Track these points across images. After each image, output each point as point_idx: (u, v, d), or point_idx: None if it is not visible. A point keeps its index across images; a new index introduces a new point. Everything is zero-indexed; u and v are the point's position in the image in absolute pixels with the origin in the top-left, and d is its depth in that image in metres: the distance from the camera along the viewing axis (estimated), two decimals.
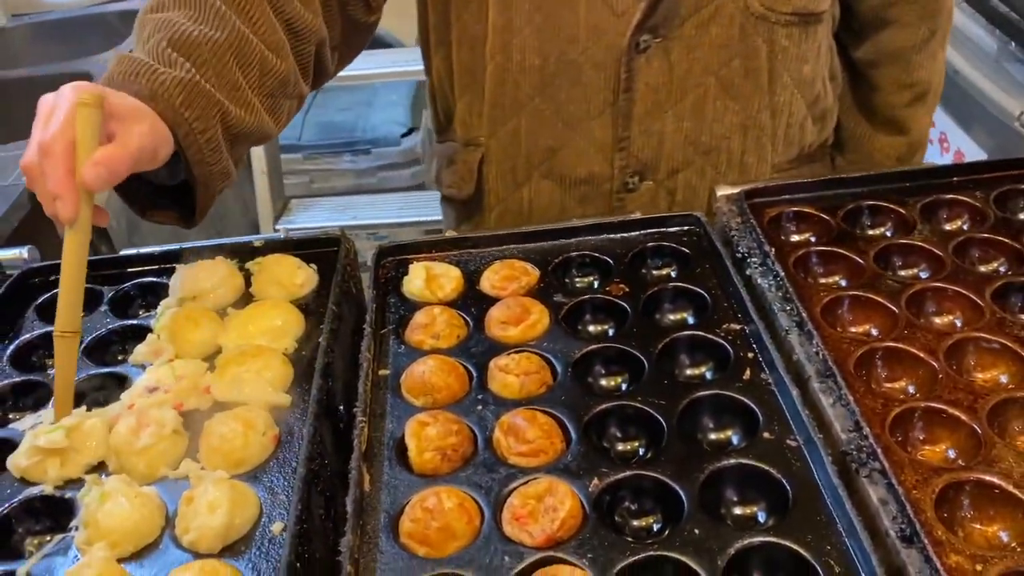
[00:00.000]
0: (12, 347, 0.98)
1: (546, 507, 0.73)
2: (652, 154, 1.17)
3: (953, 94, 2.09)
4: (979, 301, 0.88)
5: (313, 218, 2.62)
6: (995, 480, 0.71)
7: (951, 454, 0.76)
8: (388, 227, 2.55)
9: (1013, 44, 1.90)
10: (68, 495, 0.80)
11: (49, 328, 1.00)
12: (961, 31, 2.11)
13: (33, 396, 0.93)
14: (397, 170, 2.72)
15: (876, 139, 1.31)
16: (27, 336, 1.00)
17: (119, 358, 0.97)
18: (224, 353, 0.92)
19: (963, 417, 0.77)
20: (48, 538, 0.78)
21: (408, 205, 2.68)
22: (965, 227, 1.01)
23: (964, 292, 0.89)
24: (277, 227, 2.51)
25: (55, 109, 0.81)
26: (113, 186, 0.83)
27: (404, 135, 2.76)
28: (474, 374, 0.89)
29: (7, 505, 0.79)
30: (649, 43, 1.09)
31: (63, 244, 0.81)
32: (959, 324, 0.88)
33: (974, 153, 2.01)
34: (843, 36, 1.27)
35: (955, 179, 1.06)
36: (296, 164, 2.74)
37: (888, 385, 0.83)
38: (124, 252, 1.11)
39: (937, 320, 0.89)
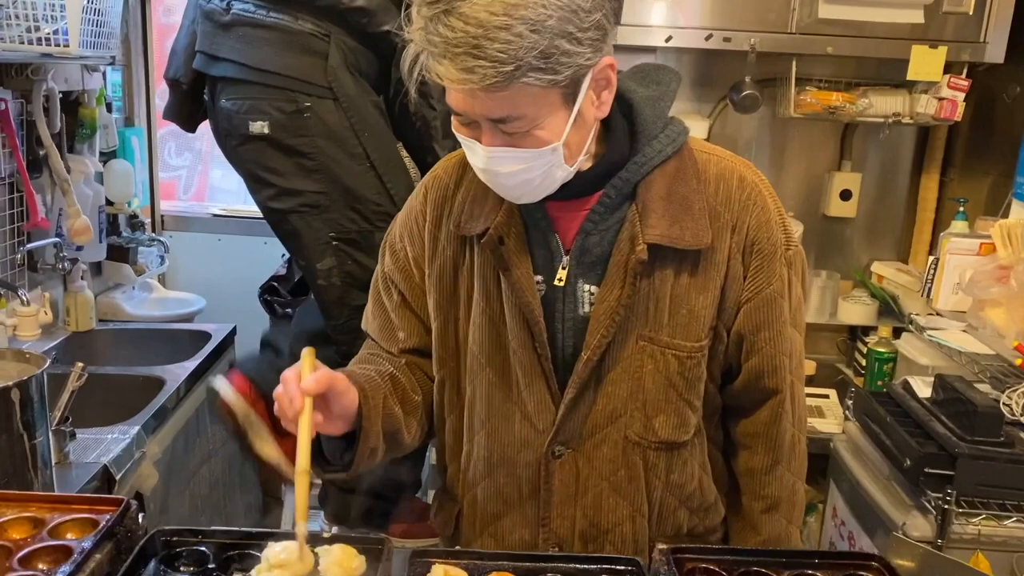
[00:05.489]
0: None
1: None
2: (567, 533, 1.61)
3: (857, 501, 2.61)
4: None
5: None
6: None
7: None
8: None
9: (898, 471, 2.45)
10: None
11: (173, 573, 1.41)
12: (864, 452, 2.69)
13: None
14: None
15: (743, 535, 1.70)
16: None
17: None
18: None
19: None
20: None
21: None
22: None
23: None
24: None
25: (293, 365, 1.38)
26: (318, 392, 1.35)
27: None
28: None
29: None
30: (562, 452, 1.57)
31: (298, 425, 1.33)
32: None
33: (869, 547, 2.47)
34: (726, 447, 1.71)
35: (817, 560, 1.53)
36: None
37: None
38: (226, 528, 1.53)
39: None
